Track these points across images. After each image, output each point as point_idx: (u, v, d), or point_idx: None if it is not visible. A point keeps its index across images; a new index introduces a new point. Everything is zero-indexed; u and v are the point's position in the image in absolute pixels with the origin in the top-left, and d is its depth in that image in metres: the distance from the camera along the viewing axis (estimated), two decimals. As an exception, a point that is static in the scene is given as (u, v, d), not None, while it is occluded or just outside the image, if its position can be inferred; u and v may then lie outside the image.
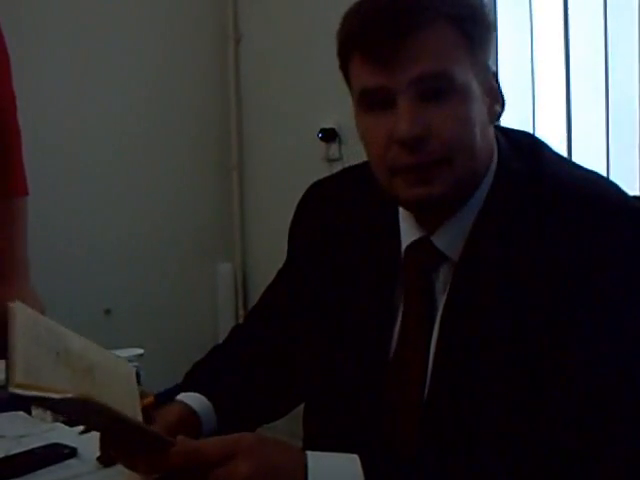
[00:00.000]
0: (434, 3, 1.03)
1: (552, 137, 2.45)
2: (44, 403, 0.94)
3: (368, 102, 1.06)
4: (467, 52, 1.05)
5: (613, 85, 2.42)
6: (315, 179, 1.36)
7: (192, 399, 1.20)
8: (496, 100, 1.10)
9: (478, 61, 1.06)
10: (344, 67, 1.10)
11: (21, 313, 0.97)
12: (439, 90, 1.03)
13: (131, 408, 1.04)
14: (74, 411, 1.00)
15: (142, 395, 1.11)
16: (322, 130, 3.12)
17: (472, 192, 1.09)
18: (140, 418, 1.04)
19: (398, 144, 1.03)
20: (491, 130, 1.11)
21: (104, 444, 1.10)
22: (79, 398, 0.90)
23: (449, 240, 1.10)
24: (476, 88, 1.05)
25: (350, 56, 1.07)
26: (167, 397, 1.19)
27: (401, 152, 1.04)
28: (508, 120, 2.50)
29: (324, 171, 2.34)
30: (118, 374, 1.09)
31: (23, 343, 0.94)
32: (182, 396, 1.20)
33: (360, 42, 1.05)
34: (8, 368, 0.90)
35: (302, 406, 1.30)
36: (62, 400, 0.90)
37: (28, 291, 1.79)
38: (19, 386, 0.88)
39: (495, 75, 1.11)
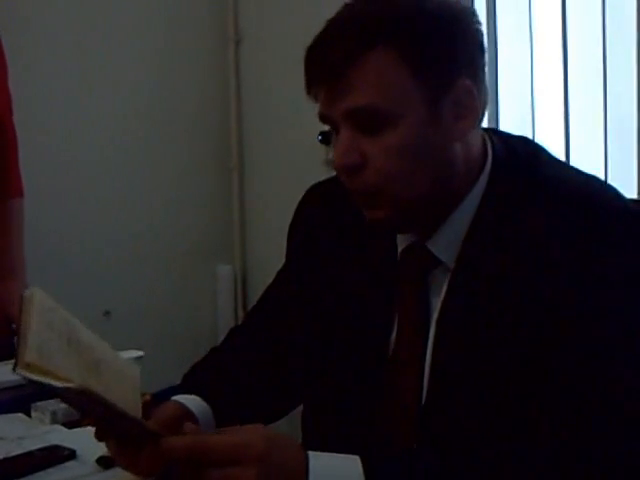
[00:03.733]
0: (370, 30, 1.03)
1: (551, 141, 2.45)
2: (45, 388, 0.96)
3: (329, 126, 1.10)
4: (410, 75, 1.03)
5: (611, 89, 2.42)
6: (314, 181, 1.36)
7: (187, 400, 1.20)
8: (467, 114, 1.07)
9: (429, 80, 1.04)
10: None
11: (38, 297, 0.99)
12: (370, 123, 1.04)
13: (133, 404, 1.06)
14: (74, 399, 1.02)
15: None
16: (322, 133, 3.12)
17: (453, 201, 1.10)
18: (140, 416, 1.05)
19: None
20: (472, 140, 1.10)
21: (100, 434, 1.11)
22: (78, 388, 0.93)
23: (444, 245, 1.11)
24: (421, 112, 1.04)
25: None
26: (164, 397, 1.19)
27: (343, 177, 1.08)
28: (507, 125, 2.52)
29: (323, 174, 2.34)
30: (122, 371, 1.11)
31: (38, 326, 0.96)
32: (177, 397, 1.21)
33: (307, 74, 1.08)
34: (18, 349, 0.92)
35: (301, 408, 1.30)
36: (63, 388, 0.92)
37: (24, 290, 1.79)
38: (28, 365, 0.90)
39: (468, 87, 1.06)
